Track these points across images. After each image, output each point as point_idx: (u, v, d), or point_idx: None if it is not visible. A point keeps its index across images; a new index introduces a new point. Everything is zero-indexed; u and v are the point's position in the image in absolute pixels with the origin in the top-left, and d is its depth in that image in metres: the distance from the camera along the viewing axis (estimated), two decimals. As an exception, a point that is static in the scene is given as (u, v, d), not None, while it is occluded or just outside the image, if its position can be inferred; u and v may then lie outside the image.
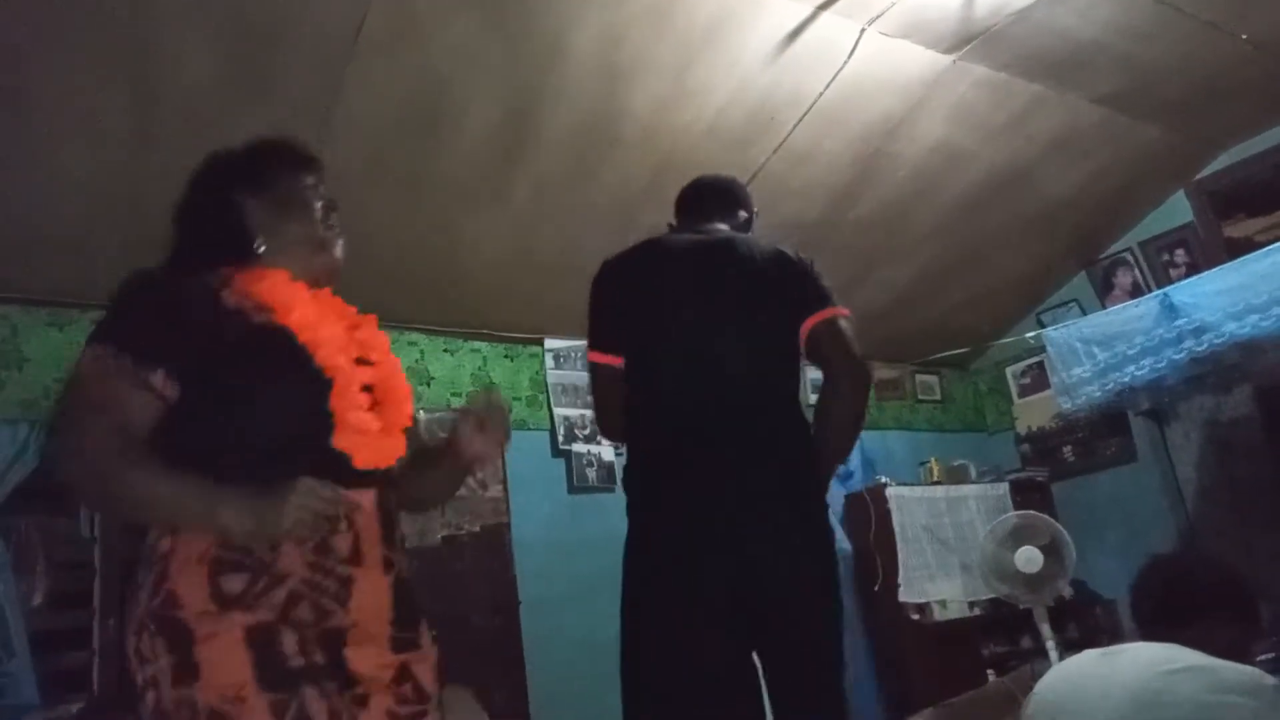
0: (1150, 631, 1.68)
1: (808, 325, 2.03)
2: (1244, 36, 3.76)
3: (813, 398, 5.04)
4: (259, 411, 1.36)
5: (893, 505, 4.79)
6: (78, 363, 1.37)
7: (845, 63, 3.47)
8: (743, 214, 2.34)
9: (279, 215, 1.54)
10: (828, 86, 3.56)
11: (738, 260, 2.08)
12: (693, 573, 1.87)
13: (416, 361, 4.00)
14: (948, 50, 3.57)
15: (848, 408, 2.05)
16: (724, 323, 2.03)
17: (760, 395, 2.00)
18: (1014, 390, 5.76)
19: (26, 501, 3.25)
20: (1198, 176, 4.87)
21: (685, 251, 2.15)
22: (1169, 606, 1.68)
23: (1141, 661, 1.53)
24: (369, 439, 1.41)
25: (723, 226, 2.24)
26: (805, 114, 3.66)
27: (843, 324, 2.06)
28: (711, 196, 2.36)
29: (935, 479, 5.14)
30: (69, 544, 3.42)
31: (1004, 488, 5.18)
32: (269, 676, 1.25)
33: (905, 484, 5.00)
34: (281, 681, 1.26)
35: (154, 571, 1.31)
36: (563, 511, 4.20)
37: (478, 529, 3.87)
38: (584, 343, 4.55)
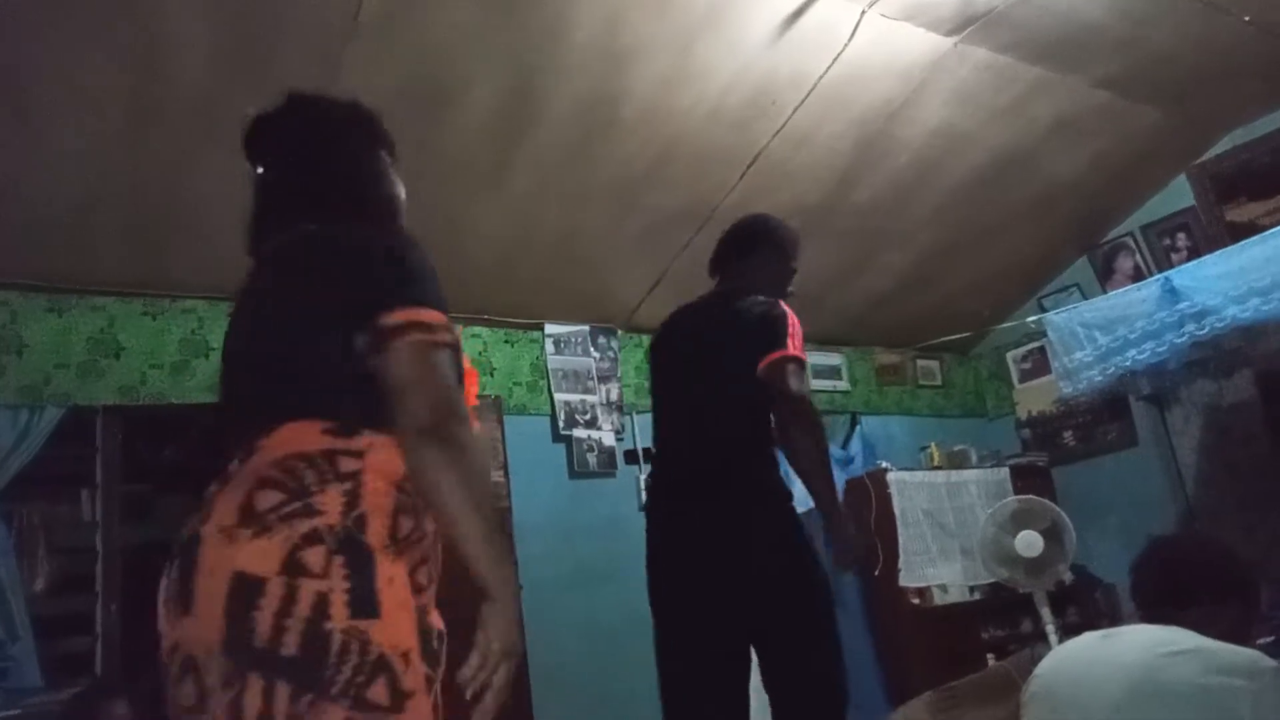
0: (1150, 613, 1.68)
1: (759, 370, 2.30)
2: (1246, 18, 3.74)
3: (815, 383, 4.99)
4: None
5: (893, 490, 4.79)
6: (405, 320, 1.27)
7: (846, 45, 3.45)
8: (761, 254, 2.65)
9: (397, 182, 1.60)
10: (829, 69, 3.55)
11: (722, 319, 2.49)
12: (675, 566, 2.35)
13: (417, 347, 3.99)
14: (949, 33, 3.55)
15: (798, 444, 2.36)
16: (702, 377, 2.46)
17: (723, 434, 2.39)
18: (1015, 375, 5.76)
19: (28, 487, 3.26)
20: (1199, 160, 4.85)
21: (688, 318, 2.64)
22: (1169, 589, 1.68)
23: (1141, 644, 1.53)
24: None
25: (742, 271, 2.64)
26: (806, 97, 3.65)
27: (788, 365, 2.30)
28: (732, 244, 2.71)
29: (936, 464, 5.15)
30: (71, 529, 3.44)
31: (1004, 472, 5.18)
32: (426, 648, 1.23)
33: (906, 469, 5.00)
34: (432, 659, 1.25)
35: (342, 487, 1.22)
36: (563, 496, 4.21)
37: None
38: (584, 327, 4.57)
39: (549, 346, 4.40)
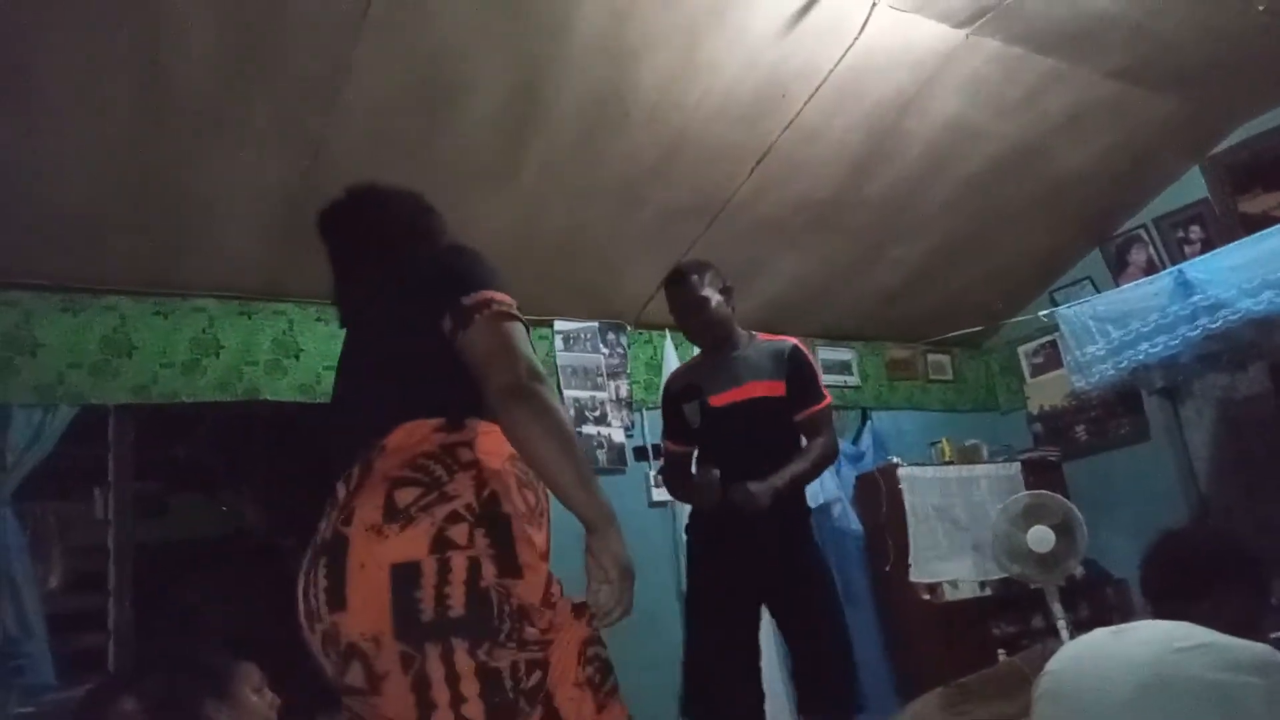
0: (1160, 606, 1.67)
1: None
2: (1261, 7, 3.69)
3: (826, 378, 4.98)
4: None
5: (904, 485, 4.77)
6: (483, 298, 1.45)
7: (857, 37, 3.43)
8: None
9: None
10: (839, 62, 3.53)
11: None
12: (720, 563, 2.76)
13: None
14: (960, 24, 3.53)
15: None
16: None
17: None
18: (1026, 369, 5.73)
19: (42, 485, 3.28)
20: (1213, 151, 4.80)
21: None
22: (1179, 581, 1.67)
23: (1152, 639, 1.52)
24: None
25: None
26: (816, 90, 3.63)
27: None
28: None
29: (947, 459, 5.13)
30: (84, 527, 3.46)
31: (1016, 467, 5.15)
32: (549, 599, 1.40)
33: (917, 464, 4.99)
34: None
35: (469, 473, 1.39)
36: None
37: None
38: (593, 324, 4.57)
39: (558, 343, 4.40)
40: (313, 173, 3.13)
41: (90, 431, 3.39)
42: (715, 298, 2.80)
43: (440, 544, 1.31)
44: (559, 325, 4.41)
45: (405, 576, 1.29)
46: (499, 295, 1.45)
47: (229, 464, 4.66)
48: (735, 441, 2.73)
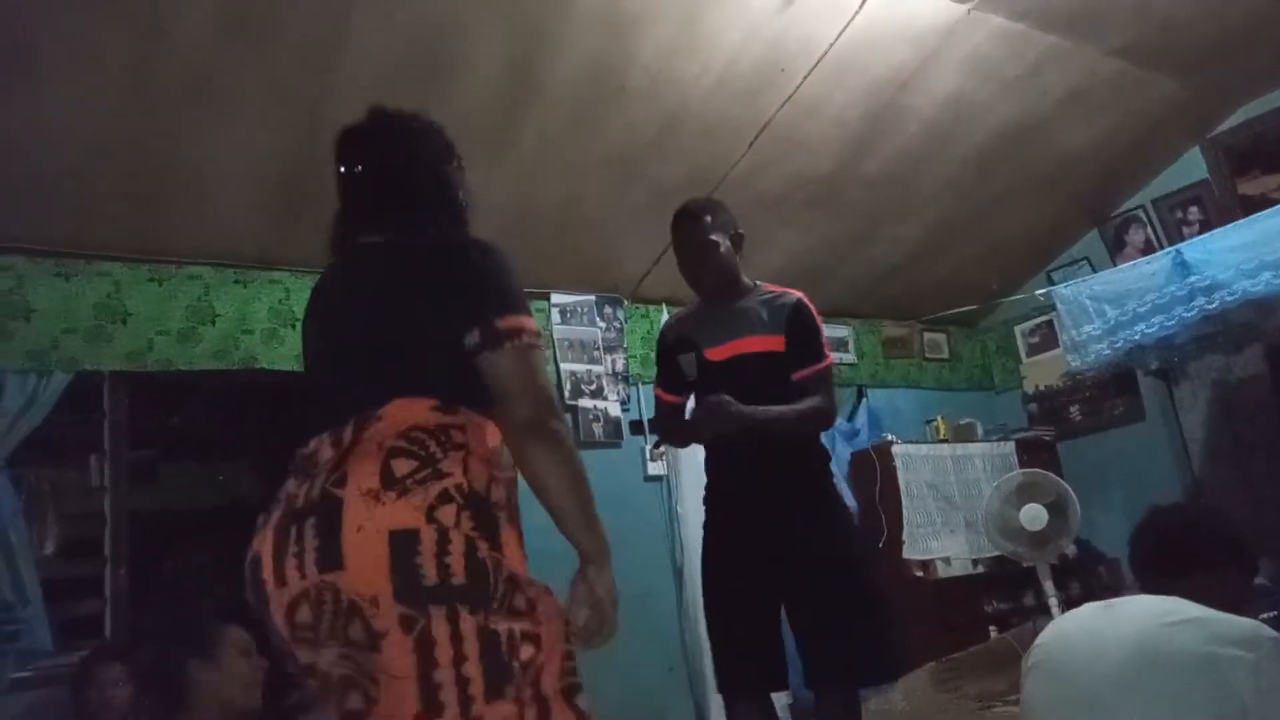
0: (1148, 581, 1.68)
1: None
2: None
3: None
4: None
5: (898, 463, 4.79)
6: (515, 325, 1.51)
7: (857, 12, 3.41)
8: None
9: (468, 191, 1.79)
10: (839, 36, 3.51)
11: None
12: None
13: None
14: None
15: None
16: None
17: None
18: (1022, 349, 5.74)
19: (37, 452, 3.28)
20: (1213, 132, 4.79)
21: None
22: (1165, 558, 1.68)
23: (1142, 613, 1.53)
24: None
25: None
26: (816, 65, 3.61)
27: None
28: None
29: (942, 437, 5.15)
30: (79, 494, 3.47)
31: (1010, 446, 5.18)
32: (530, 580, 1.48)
33: (911, 441, 5.00)
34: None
35: (459, 455, 1.45)
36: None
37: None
38: (590, 297, 4.54)
39: (555, 316, 4.39)
40: (308, 141, 3.10)
41: (85, 398, 3.38)
42: (724, 243, 2.57)
43: (433, 520, 1.37)
44: (556, 298, 4.41)
45: (404, 542, 1.34)
46: (530, 324, 1.52)
47: (225, 433, 4.66)
48: (736, 397, 2.47)
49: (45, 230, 3.23)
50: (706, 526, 2.58)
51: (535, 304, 4.39)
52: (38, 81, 2.75)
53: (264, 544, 1.43)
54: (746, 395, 2.38)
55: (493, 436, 1.52)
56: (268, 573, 1.41)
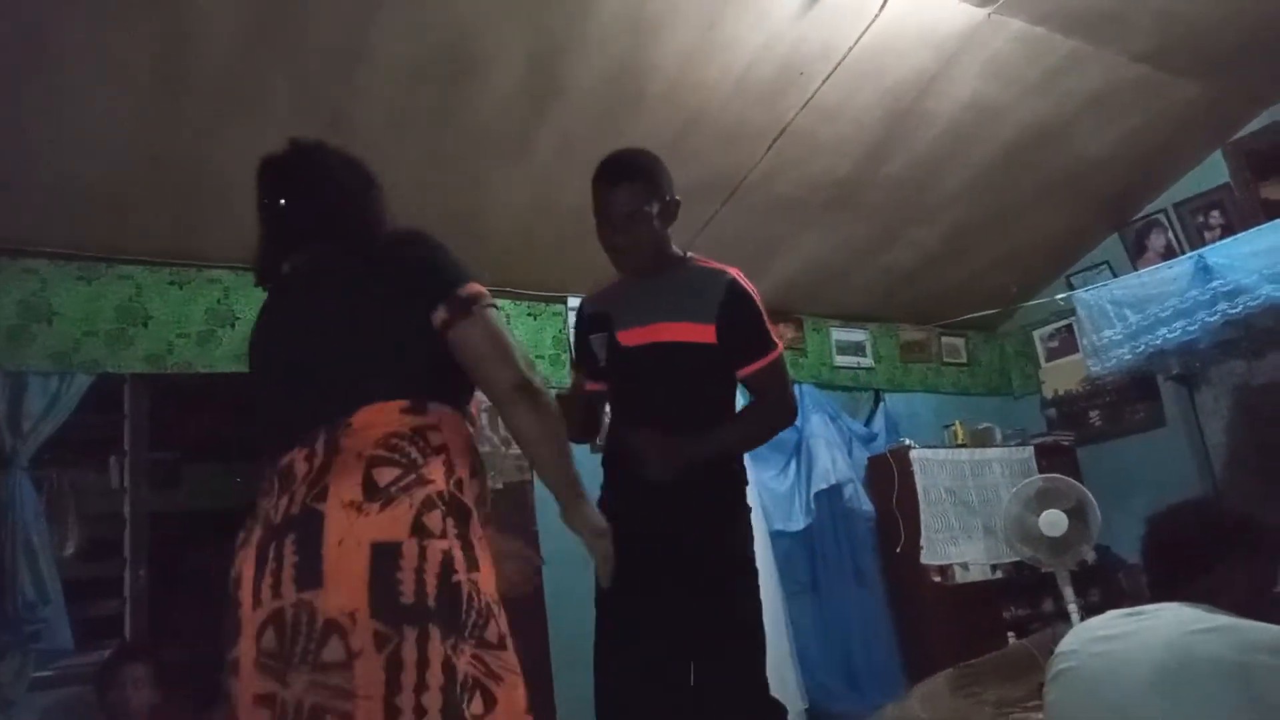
0: (1165, 585, 1.65)
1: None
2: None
3: (839, 359, 4.89)
4: None
5: (916, 467, 4.77)
6: (477, 291, 1.52)
7: (877, 15, 3.39)
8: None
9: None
10: (859, 40, 3.49)
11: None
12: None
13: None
14: (983, 3, 3.48)
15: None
16: None
17: None
18: (1041, 354, 5.70)
19: (58, 453, 3.30)
20: (1235, 136, 4.75)
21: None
22: (1175, 563, 1.65)
23: (1169, 621, 1.51)
24: None
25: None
26: (835, 69, 3.60)
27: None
28: None
29: (960, 442, 5.12)
30: (99, 495, 3.49)
31: (1029, 451, 5.14)
32: (499, 595, 1.45)
33: (929, 446, 4.98)
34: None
35: (440, 458, 1.42)
36: (585, 470, 4.19)
37: (500, 486, 3.88)
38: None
39: (572, 319, 4.38)
40: (331, 145, 3.12)
41: (106, 400, 3.41)
42: (654, 214, 2.12)
43: (419, 529, 1.32)
44: (573, 301, 4.40)
45: (386, 555, 1.29)
46: (484, 289, 1.53)
47: (244, 435, 4.69)
48: (647, 393, 2.11)
49: (68, 234, 3.26)
50: None
51: (552, 306, 4.40)
52: (63, 87, 2.77)
53: (246, 563, 1.38)
54: (658, 390, 2.07)
55: (465, 430, 1.51)
56: (246, 593, 1.35)
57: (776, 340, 2.16)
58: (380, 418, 1.41)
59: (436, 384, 1.48)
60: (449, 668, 1.28)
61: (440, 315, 1.47)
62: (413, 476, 1.36)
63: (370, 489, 1.33)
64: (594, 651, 2.12)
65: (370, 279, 1.52)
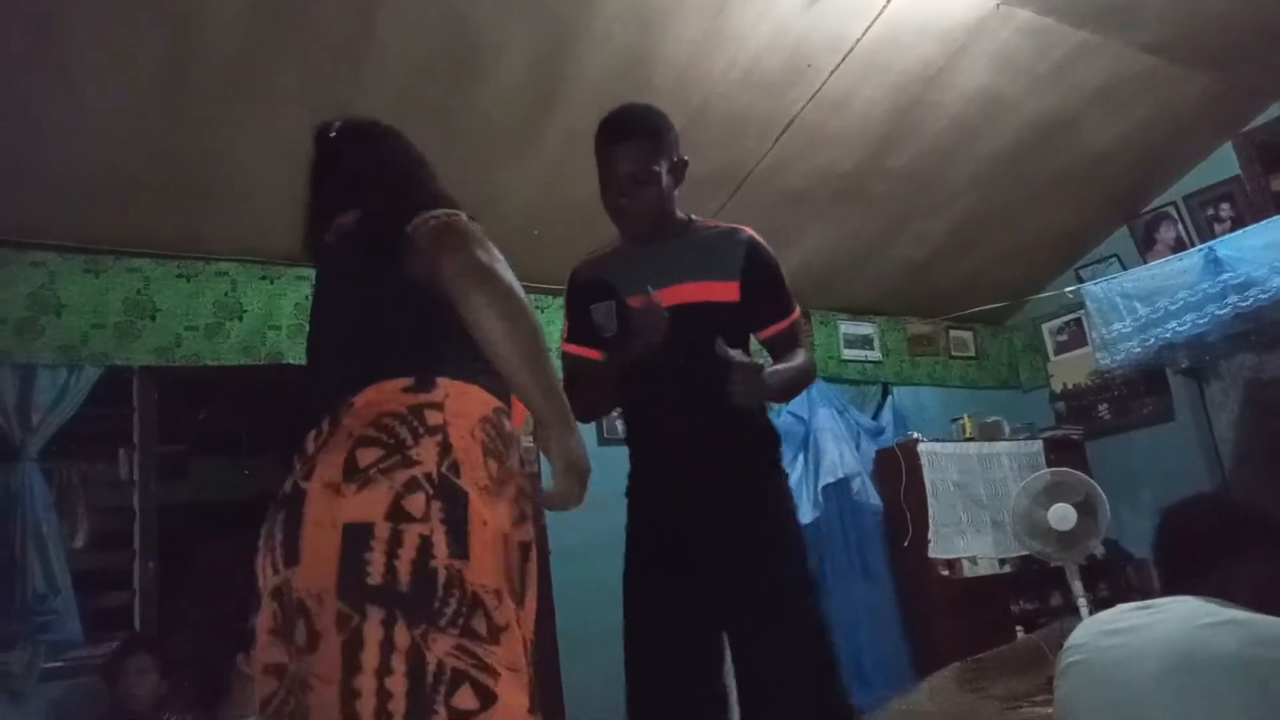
0: (1176, 581, 1.63)
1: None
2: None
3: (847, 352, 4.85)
4: None
5: (924, 461, 4.76)
6: (451, 211, 1.44)
7: (885, 7, 3.38)
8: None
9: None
10: (866, 32, 3.48)
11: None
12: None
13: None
14: (991, -6, 3.47)
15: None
16: None
17: None
18: (1050, 347, 5.68)
19: (67, 445, 3.32)
20: (1246, 128, 4.72)
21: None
22: (1186, 557, 1.63)
23: (1179, 615, 1.50)
24: None
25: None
26: (842, 60, 3.58)
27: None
28: None
29: (968, 435, 5.10)
30: (109, 487, 3.51)
31: (1038, 445, 5.13)
32: (511, 586, 1.35)
33: (937, 440, 4.96)
34: (519, 594, 1.39)
35: (434, 439, 1.33)
36: (592, 462, 4.20)
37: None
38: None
39: (579, 313, 4.38)
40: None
41: (115, 393, 3.42)
42: (665, 174, 1.98)
43: (396, 512, 1.27)
44: (580, 295, 4.40)
45: (357, 536, 1.25)
46: (459, 214, 1.43)
47: (252, 428, 4.70)
48: (670, 360, 1.91)
49: (75, 226, 3.27)
50: (629, 528, 2.04)
51: (560, 299, 4.39)
52: (70, 80, 2.78)
53: (265, 540, 1.39)
54: (683, 355, 1.90)
55: (480, 408, 1.40)
56: (260, 566, 1.38)
57: (795, 304, 2.11)
58: (381, 396, 1.36)
59: (444, 358, 1.40)
60: (414, 656, 1.21)
61: (413, 241, 1.38)
62: (397, 458, 1.30)
63: (350, 470, 1.29)
64: (625, 637, 1.97)
65: (372, 248, 1.49)
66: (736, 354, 1.86)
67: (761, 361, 1.91)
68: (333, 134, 1.71)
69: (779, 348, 2.06)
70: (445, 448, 1.33)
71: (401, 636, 1.21)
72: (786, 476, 2.08)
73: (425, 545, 1.26)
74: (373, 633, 1.20)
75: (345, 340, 1.49)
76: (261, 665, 1.32)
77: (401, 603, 1.22)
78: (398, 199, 1.54)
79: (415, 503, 1.27)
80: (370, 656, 1.20)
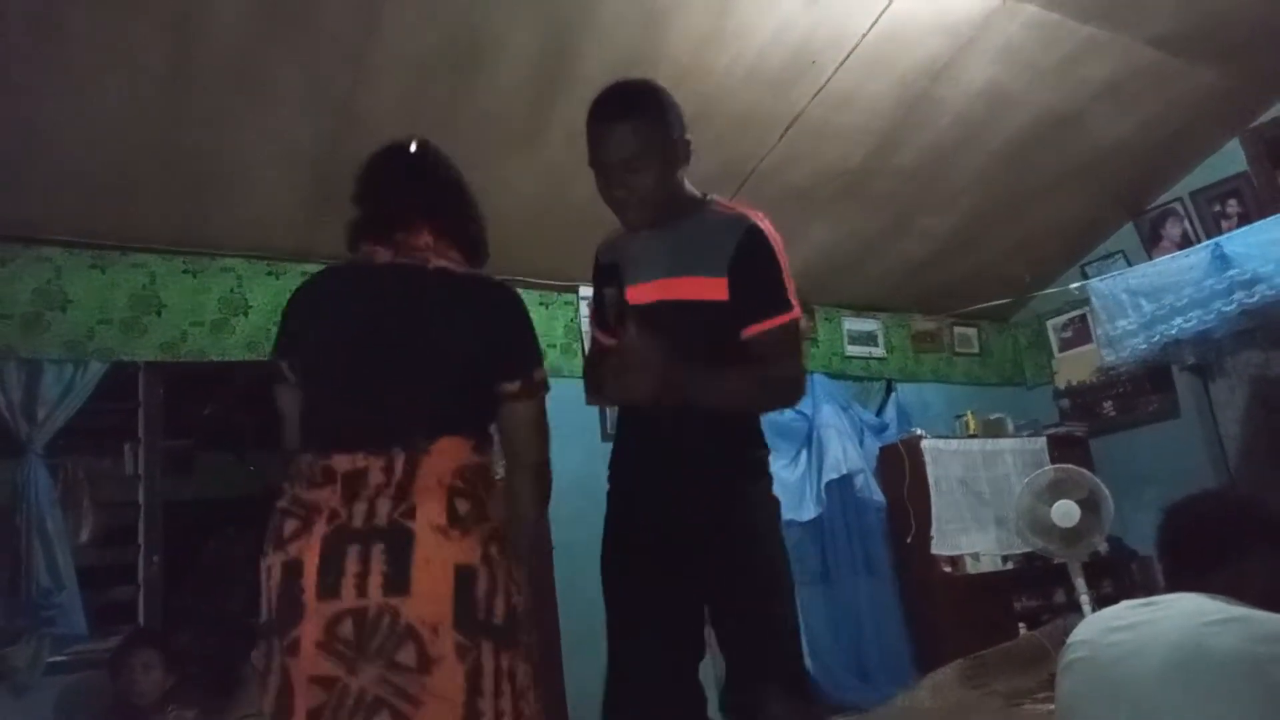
0: (1182, 573, 1.63)
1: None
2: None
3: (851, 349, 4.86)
4: None
5: (928, 458, 4.76)
6: (544, 376, 1.71)
7: (890, 3, 3.37)
8: None
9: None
10: (871, 27, 3.47)
11: None
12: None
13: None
14: (997, -11, 3.46)
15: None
16: None
17: None
18: (1055, 344, 5.66)
19: (73, 440, 3.33)
20: (1253, 124, 4.70)
21: None
22: (1192, 555, 1.63)
23: (1183, 612, 1.49)
24: None
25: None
26: (848, 56, 3.57)
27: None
28: None
29: (971, 432, 5.10)
30: (114, 482, 3.52)
31: (1041, 442, 5.12)
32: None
33: (941, 436, 4.96)
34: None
35: (494, 495, 1.60)
36: (596, 459, 4.13)
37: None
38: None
39: (584, 309, 4.39)
40: (342, 133, 3.13)
41: (120, 388, 3.43)
42: (662, 158, 1.83)
43: (486, 557, 1.52)
44: (585, 291, 4.40)
45: (466, 577, 1.49)
46: (546, 375, 1.70)
47: (257, 424, 4.71)
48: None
49: (82, 223, 3.28)
50: (606, 516, 1.97)
51: (564, 295, 4.40)
52: (75, 77, 2.79)
53: (308, 553, 1.47)
54: (675, 353, 1.69)
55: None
56: (310, 581, 1.45)
57: (794, 302, 1.82)
58: (455, 449, 1.56)
59: (486, 432, 1.66)
60: (510, 675, 1.51)
61: (511, 387, 1.63)
62: (481, 511, 1.55)
63: (453, 516, 1.51)
64: (607, 631, 1.91)
65: (466, 313, 1.64)
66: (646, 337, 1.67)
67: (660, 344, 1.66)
68: (400, 148, 1.79)
69: (757, 353, 1.78)
70: (498, 505, 1.60)
71: (505, 663, 1.50)
72: (770, 479, 1.94)
73: (507, 584, 1.54)
74: (489, 662, 1.48)
75: (418, 383, 1.59)
76: (308, 676, 1.44)
77: (499, 635, 1.50)
78: (466, 223, 1.75)
79: (496, 549, 1.54)
80: (488, 682, 1.47)
